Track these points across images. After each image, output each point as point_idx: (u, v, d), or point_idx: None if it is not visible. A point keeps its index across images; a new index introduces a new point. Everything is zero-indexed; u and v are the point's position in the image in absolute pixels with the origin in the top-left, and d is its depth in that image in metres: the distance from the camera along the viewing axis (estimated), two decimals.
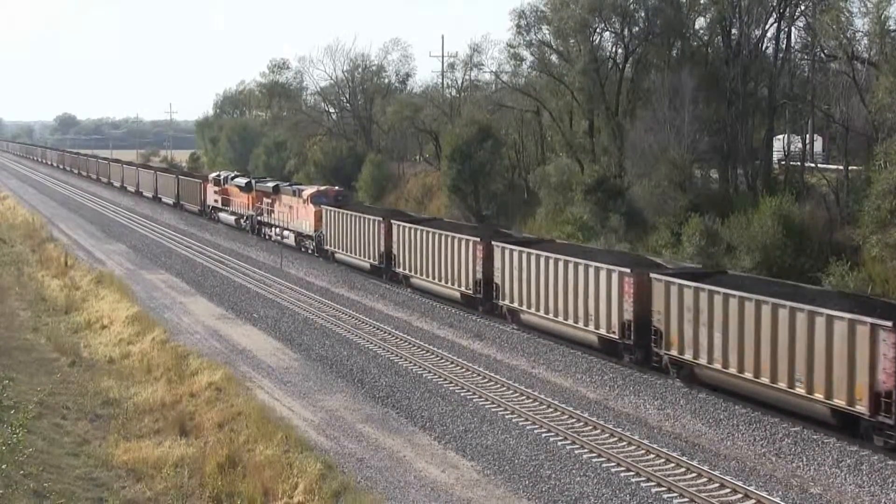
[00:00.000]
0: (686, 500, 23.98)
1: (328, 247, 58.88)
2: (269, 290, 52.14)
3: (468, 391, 33.06)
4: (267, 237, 69.62)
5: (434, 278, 47.25)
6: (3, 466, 22.74)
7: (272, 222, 68.62)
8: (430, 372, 35.52)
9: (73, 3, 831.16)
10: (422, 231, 48.51)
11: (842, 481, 25.11)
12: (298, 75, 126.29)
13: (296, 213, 63.77)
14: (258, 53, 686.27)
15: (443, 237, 46.61)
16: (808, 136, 67.15)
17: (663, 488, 24.61)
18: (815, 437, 27.79)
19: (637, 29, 66.17)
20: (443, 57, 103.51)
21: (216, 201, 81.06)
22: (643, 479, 25.24)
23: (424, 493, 24.47)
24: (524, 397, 32.22)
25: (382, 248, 51.82)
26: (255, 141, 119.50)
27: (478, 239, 44.30)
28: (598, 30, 67.30)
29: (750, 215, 49.59)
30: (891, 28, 51.71)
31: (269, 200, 68.75)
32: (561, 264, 38.26)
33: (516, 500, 24.09)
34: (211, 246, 69.68)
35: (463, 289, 45.15)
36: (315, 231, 60.76)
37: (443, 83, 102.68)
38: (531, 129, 78.83)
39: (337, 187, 66.57)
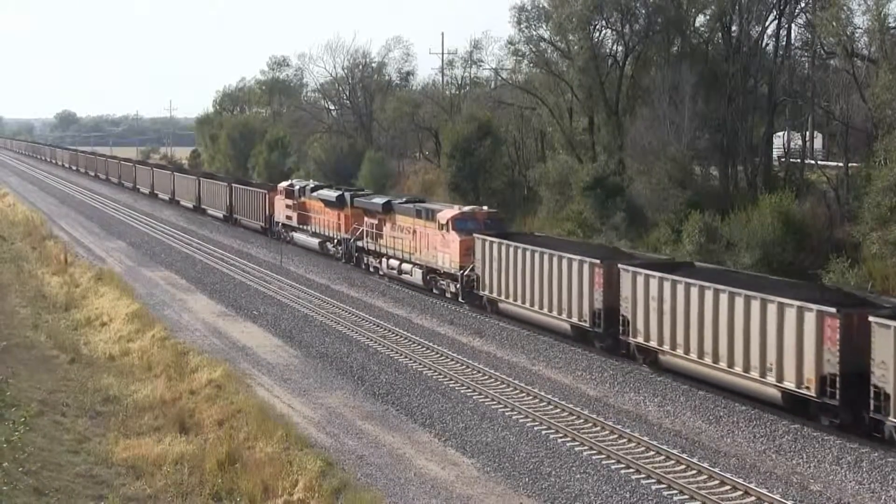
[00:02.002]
0: (686, 497, 23.98)
1: (485, 292, 43.37)
2: (269, 288, 52.14)
3: (468, 388, 33.06)
4: (371, 269, 54.63)
5: (725, 363, 30.86)
6: (5, 465, 22.74)
7: (381, 251, 53.17)
8: (430, 369, 35.52)
9: (73, 1, 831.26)
10: (690, 286, 32.19)
11: (842, 478, 25.11)
12: (298, 72, 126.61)
13: (425, 240, 48.13)
14: (258, 50, 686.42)
15: (747, 300, 30.03)
16: (807, 133, 67.25)
17: (663, 485, 24.61)
18: (815, 434, 27.81)
19: (637, 26, 66.20)
20: (443, 54, 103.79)
21: (289, 218, 65.86)
22: (643, 476, 25.25)
23: (424, 491, 24.48)
24: (524, 394, 32.22)
25: (598, 305, 36.55)
26: (255, 138, 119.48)
27: (833, 310, 27.57)
28: (598, 27, 67.37)
29: (750, 212, 49.61)
30: (890, 25, 51.73)
31: (375, 221, 53.49)
32: None
33: (516, 498, 24.09)
34: (211, 243, 69.65)
35: (792, 385, 28.61)
36: (460, 269, 45.05)
37: (442, 80, 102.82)
38: (531, 126, 78.90)
39: (486, 207, 49.71)
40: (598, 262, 36.72)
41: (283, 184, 69.23)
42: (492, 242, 42.89)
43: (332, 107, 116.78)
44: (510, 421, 29.72)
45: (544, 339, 39.44)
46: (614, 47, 68.85)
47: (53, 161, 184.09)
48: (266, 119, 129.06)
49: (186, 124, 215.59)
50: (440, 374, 34.79)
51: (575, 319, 37.87)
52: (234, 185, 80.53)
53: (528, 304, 40.50)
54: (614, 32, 67.75)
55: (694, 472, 25.37)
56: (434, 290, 48.04)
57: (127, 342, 39.61)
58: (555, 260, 38.73)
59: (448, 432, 28.77)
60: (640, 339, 34.53)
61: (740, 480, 24.52)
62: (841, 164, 55.66)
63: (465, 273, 44.70)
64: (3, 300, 47.19)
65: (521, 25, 72.65)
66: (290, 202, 65.66)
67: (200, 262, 61.32)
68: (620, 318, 35.48)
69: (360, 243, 55.69)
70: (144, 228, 79.23)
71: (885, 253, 43.69)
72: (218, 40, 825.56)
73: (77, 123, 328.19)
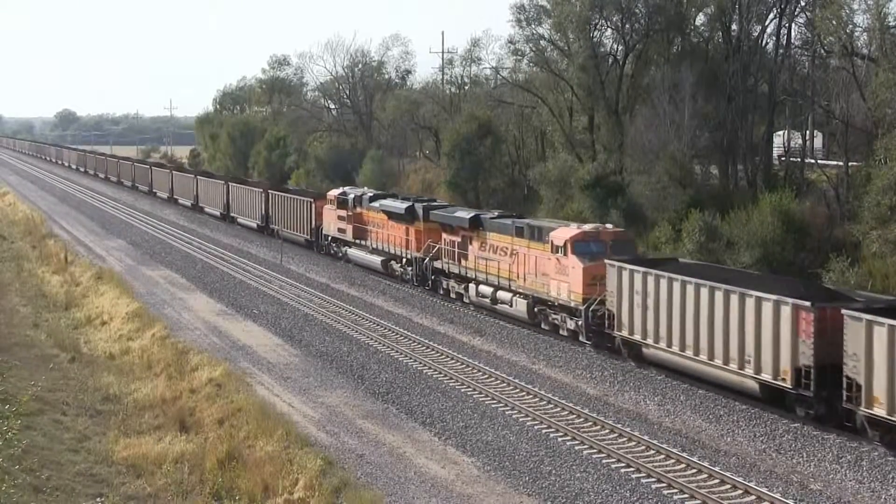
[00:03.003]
0: (686, 496, 23.97)
1: (621, 333, 34.97)
2: (269, 287, 52.13)
3: (468, 387, 33.05)
4: (453, 295, 46.74)
5: None
6: (1, 461, 22.75)
7: (467, 274, 45.16)
8: (430, 368, 35.51)
9: (73, 0, 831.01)
10: None
11: (842, 477, 25.11)
12: (299, 71, 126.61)
13: (530, 265, 40.13)
14: (258, 49, 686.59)
15: None
16: (807, 132, 67.20)
17: (664, 484, 24.61)
18: (815, 433, 27.80)
19: (637, 25, 66.24)
20: (443, 53, 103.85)
21: (342, 231, 58.28)
22: (643, 475, 25.24)
23: (424, 489, 24.48)
24: (524, 393, 32.22)
25: (805, 360, 28.18)
26: (255, 137, 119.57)
27: None
28: (598, 25, 67.40)
29: (750, 211, 49.62)
30: (890, 24, 51.74)
31: (458, 238, 45.68)
32: None
33: (516, 496, 24.09)
34: (211, 242, 69.65)
35: None
36: (583, 302, 36.73)
37: (442, 79, 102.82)
38: (531, 125, 78.94)
39: (609, 225, 41.26)
40: (806, 304, 28.26)
41: (334, 192, 60.62)
42: (634, 272, 34.21)
43: (332, 106, 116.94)
44: (510, 420, 29.72)
45: (544, 339, 39.41)
46: (614, 46, 68.92)
47: (59, 162, 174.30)
48: (266, 118, 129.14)
49: (186, 123, 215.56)
50: (440, 373, 34.79)
51: (767, 377, 29.30)
52: (270, 191, 71.82)
53: (690, 353, 32.10)
54: (614, 31, 67.84)
55: (694, 470, 25.36)
56: (543, 326, 40.17)
57: (127, 341, 39.64)
58: (735, 299, 30.31)
59: (448, 431, 28.77)
60: (882, 412, 25.77)
61: (740, 479, 24.51)
62: (841, 163, 55.62)
63: (592, 307, 36.44)
64: (3, 299, 47.18)
65: (521, 24, 72.74)
66: (342, 213, 57.85)
67: (200, 261, 61.31)
68: (845, 380, 26.88)
69: (437, 264, 47.73)
70: (144, 227, 79.25)
71: (885, 252, 43.67)
72: (218, 39, 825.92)
73: (77, 122, 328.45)
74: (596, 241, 37.94)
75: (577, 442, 27.67)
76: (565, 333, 38.76)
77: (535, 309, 40.46)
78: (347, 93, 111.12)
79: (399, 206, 51.37)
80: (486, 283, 43.45)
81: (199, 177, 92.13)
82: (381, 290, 50.44)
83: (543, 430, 28.68)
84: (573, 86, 68.42)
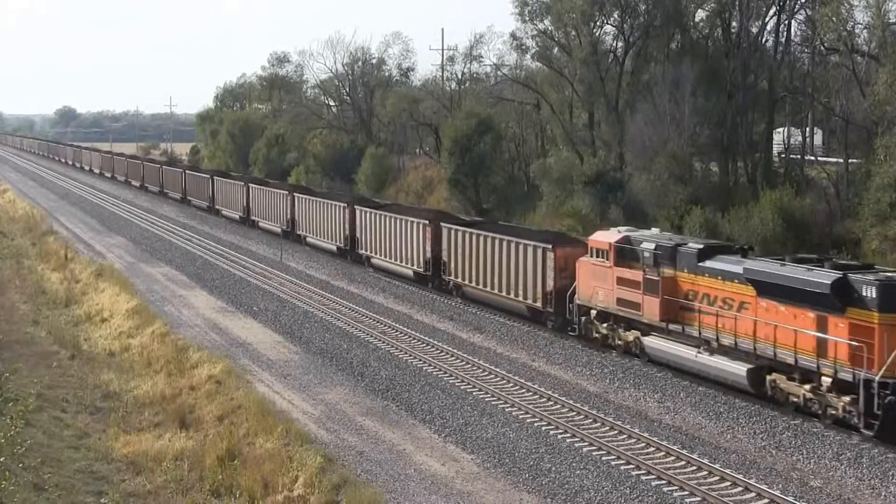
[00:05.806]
0: (686, 493, 23.96)
1: None
2: (269, 284, 52.11)
3: (468, 384, 33.04)
4: None
5: None
6: (2, 459, 22.75)
7: None
8: (430, 365, 35.50)
9: None
10: None
11: (842, 474, 25.11)
12: (299, 68, 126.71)
13: None
14: (259, 47, 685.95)
15: None
16: (808, 129, 67.23)
17: (663, 481, 24.60)
18: (815, 430, 27.79)
19: (637, 21, 66.28)
20: (443, 50, 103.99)
21: (627, 305, 34.81)
22: (643, 472, 25.23)
23: (424, 487, 24.47)
24: (524, 390, 32.20)
25: None
26: (255, 134, 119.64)
27: None
28: (598, 22, 67.47)
29: (750, 208, 49.65)
30: (891, 21, 51.73)
31: None
32: None
33: (516, 494, 24.09)
34: (211, 239, 69.60)
35: None
36: None
37: (442, 76, 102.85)
38: (531, 122, 79.00)
39: None
40: None
41: (606, 235, 36.99)
42: None
43: (332, 103, 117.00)
44: (510, 417, 29.71)
45: (544, 336, 39.41)
46: (614, 43, 68.96)
47: (78, 165, 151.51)
48: (266, 115, 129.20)
49: (187, 120, 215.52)
50: (440, 370, 34.77)
51: None
52: (444, 224, 47.58)
53: None
54: (614, 27, 67.92)
55: (694, 468, 25.35)
56: None
57: (127, 338, 39.64)
58: None
59: (448, 428, 28.77)
60: None
61: (740, 476, 24.50)
62: (841, 161, 55.66)
63: None
64: (3, 296, 47.19)
65: (524, 18, 72.74)
66: (629, 274, 34.72)
67: (200, 258, 61.27)
68: None
69: None
70: (144, 224, 79.20)
71: (885, 249, 43.72)
72: (219, 36, 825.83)
73: (77, 119, 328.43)
74: None
75: (577, 439, 27.66)
76: None
77: None
78: (347, 90, 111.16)
79: (808, 277, 27.75)
80: None
81: (296, 195, 66.21)
82: (381, 288, 50.42)
83: (543, 427, 28.67)
84: (573, 82, 68.48)
